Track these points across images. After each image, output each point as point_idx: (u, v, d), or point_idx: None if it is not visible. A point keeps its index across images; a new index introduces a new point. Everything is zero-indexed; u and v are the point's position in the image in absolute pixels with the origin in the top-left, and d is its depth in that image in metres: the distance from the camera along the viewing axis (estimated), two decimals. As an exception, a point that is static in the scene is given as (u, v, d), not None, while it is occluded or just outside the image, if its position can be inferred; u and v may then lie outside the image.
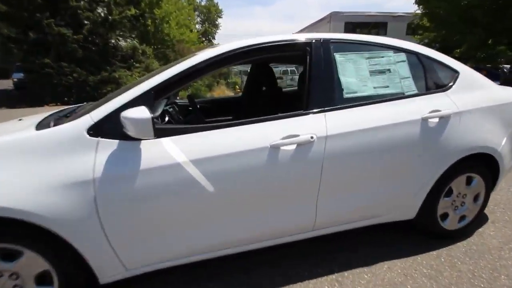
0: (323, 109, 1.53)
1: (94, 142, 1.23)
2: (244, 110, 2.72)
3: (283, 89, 2.85)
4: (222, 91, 16.84)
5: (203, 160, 1.31)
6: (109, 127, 1.25)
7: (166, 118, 1.86)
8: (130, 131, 1.18)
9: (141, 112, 1.16)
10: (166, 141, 1.30)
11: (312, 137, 1.44)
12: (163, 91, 1.37)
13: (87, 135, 1.23)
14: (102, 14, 13.59)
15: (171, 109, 2.05)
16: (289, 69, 18.22)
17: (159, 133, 1.29)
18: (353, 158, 1.55)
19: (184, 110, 2.61)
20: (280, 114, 1.49)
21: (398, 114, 1.65)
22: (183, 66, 1.39)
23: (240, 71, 18.00)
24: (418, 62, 1.84)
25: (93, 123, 1.25)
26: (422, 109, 1.71)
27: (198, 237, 1.41)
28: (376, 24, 23.15)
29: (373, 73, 1.68)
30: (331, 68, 1.58)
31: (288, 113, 1.50)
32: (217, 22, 37.91)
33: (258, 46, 1.54)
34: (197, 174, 1.29)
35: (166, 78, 1.35)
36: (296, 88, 3.58)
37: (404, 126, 1.64)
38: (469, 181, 1.97)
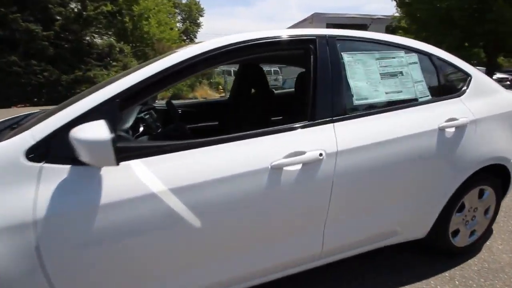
0: (331, 118, 1.28)
1: (36, 170, 0.90)
2: (232, 115, 2.45)
3: (275, 92, 2.59)
4: (205, 92, 16.41)
5: (187, 188, 1.02)
6: (56, 148, 0.93)
7: (141, 129, 1.55)
8: (83, 156, 0.86)
9: (98, 130, 0.84)
10: (136, 164, 0.99)
11: (321, 154, 1.19)
12: (133, 97, 1.06)
13: (26, 160, 0.91)
14: (76, 10, 12.86)
15: (147, 116, 1.73)
16: (272, 69, 18.01)
17: (127, 154, 0.99)
18: (366, 176, 1.31)
19: (165, 116, 2.29)
20: (281, 126, 1.22)
21: (414, 123, 1.44)
22: (160, 66, 1.09)
23: (223, 71, 17.59)
24: (430, 64, 1.64)
25: (34, 143, 0.92)
26: (438, 117, 1.50)
27: (183, 282, 1.12)
28: (357, 26, 23.53)
29: (384, 76, 1.46)
30: (339, 70, 1.34)
31: (291, 125, 1.24)
32: (198, 21, 37.20)
33: (252, 43, 1.26)
34: (179, 207, 0.99)
35: (137, 81, 1.04)
36: (289, 90, 3.33)
37: (421, 137, 1.43)
38: (480, 193, 1.81)
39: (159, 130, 1.64)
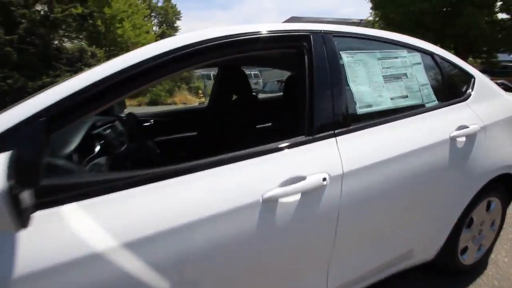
0: (333, 132, 1.05)
1: None
2: (212, 124, 2.19)
3: (259, 97, 2.35)
4: (184, 97, 15.93)
5: (151, 239, 0.74)
6: None
7: (97, 148, 1.25)
8: None
9: None
10: (72, 210, 0.70)
11: (324, 179, 0.95)
12: (70, 113, 0.76)
13: None
14: (42, 12, 12.12)
15: (108, 131, 1.43)
16: (252, 72, 17.80)
17: (58, 196, 0.70)
18: (376, 199, 1.09)
19: (135, 129, 1.98)
20: (272, 145, 0.96)
21: (425, 134, 1.24)
22: (108, 70, 0.81)
23: (203, 75, 17.22)
24: (434, 65, 1.46)
25: None
26: (448, 125, 1.32)
27: None
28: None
29: (388, 79, 1.25)
30: (338, 73, 1.11)
31: (285, 142, 0.98)
32: (175, 25, 36.50)
33: (232, 40, 0.99)
34: (139, 269, 0.71)
35: (74, 91, 0.75)
36: (273, 95, 3.09)
37: (433, 150, 1.23)
38: (488, 205, 1.66)
39: (124, 148, 1.34)
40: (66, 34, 13.90)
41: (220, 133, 2.09)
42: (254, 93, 2.35)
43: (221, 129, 2.10)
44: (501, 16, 12.62)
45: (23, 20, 11.24)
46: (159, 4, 34.20)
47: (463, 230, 1.56)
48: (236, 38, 1.00)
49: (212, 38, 0.95)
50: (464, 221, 1.53)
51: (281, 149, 0.96)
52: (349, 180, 1.00)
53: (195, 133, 2.33)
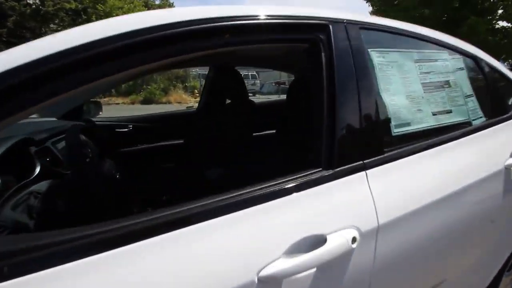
0: (362, 162, 0.72)
1: None
2: (202, 131, 1.89)
3: (257, 102, 2.05)
4: (179, 96, 15.55)
5: None
6: None
7: (38, 169, 0.92)
8: None
9: None
10: None
11: (354, 239, 0.63)
12: None
13: None
14: (34, 6, 11.79)
15: (62, 144, 1.10)
16: (250, 73, 17.43)
17: None
18: (422, 254, 0.78)
19: (108, 136, 1.67)
20: (274, 186, 0.63)
21: (477, 163, 0.94)
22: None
23: (199, 74, 16.86)
24: (478, 71, 1.17)
25: None
26: (501, 150, 1.02)
27: None
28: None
29: (427, 88, 0.95)
30: (367, 78, 0.80)
31: (293, 179, 0.65)
32: (173, 23, 36.08)
33: (218, 25, 0.66)
34: None
35: None
36: (272, 100, 2.75)
37: (487, 184, 0.93)
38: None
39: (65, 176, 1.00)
40: (59, 28, 13.62)
41: (210, 141, 1.80)
42: (251, 94, 2.05)
43: (212, 137, 1.81)
44: (502, 24, 12.57)
45: (12, 13, 10.89)
46: (157, 2, 33.92)
47: (504, 275, 1.28)
48: (230, 23, 0.68)
49: (204, 18, 0.63)
50: (507, 264, 1.25)
51: (288, 191, 0.63)
52: (387, 235, 0.68)
53: (181, 141, 2.04)
